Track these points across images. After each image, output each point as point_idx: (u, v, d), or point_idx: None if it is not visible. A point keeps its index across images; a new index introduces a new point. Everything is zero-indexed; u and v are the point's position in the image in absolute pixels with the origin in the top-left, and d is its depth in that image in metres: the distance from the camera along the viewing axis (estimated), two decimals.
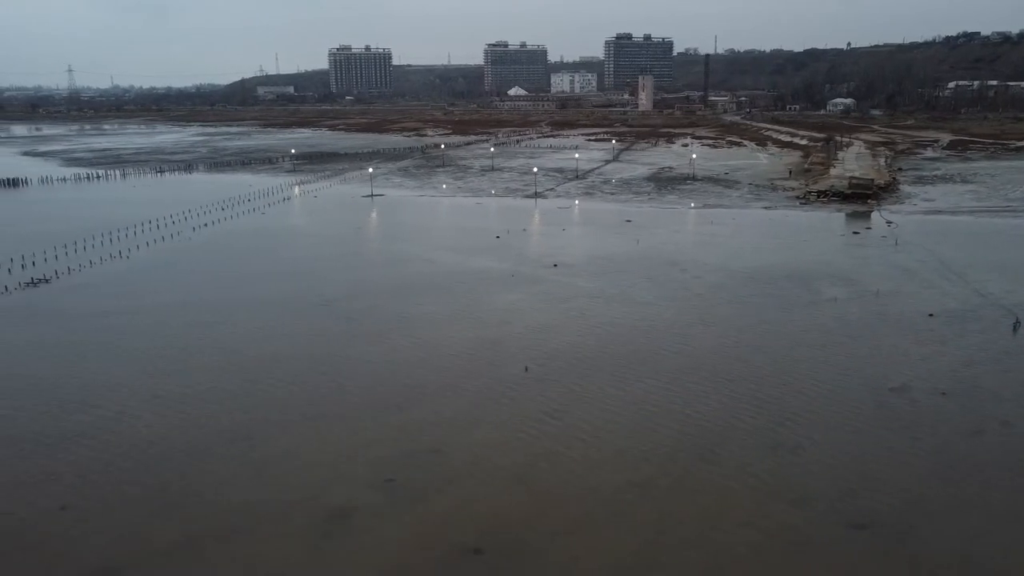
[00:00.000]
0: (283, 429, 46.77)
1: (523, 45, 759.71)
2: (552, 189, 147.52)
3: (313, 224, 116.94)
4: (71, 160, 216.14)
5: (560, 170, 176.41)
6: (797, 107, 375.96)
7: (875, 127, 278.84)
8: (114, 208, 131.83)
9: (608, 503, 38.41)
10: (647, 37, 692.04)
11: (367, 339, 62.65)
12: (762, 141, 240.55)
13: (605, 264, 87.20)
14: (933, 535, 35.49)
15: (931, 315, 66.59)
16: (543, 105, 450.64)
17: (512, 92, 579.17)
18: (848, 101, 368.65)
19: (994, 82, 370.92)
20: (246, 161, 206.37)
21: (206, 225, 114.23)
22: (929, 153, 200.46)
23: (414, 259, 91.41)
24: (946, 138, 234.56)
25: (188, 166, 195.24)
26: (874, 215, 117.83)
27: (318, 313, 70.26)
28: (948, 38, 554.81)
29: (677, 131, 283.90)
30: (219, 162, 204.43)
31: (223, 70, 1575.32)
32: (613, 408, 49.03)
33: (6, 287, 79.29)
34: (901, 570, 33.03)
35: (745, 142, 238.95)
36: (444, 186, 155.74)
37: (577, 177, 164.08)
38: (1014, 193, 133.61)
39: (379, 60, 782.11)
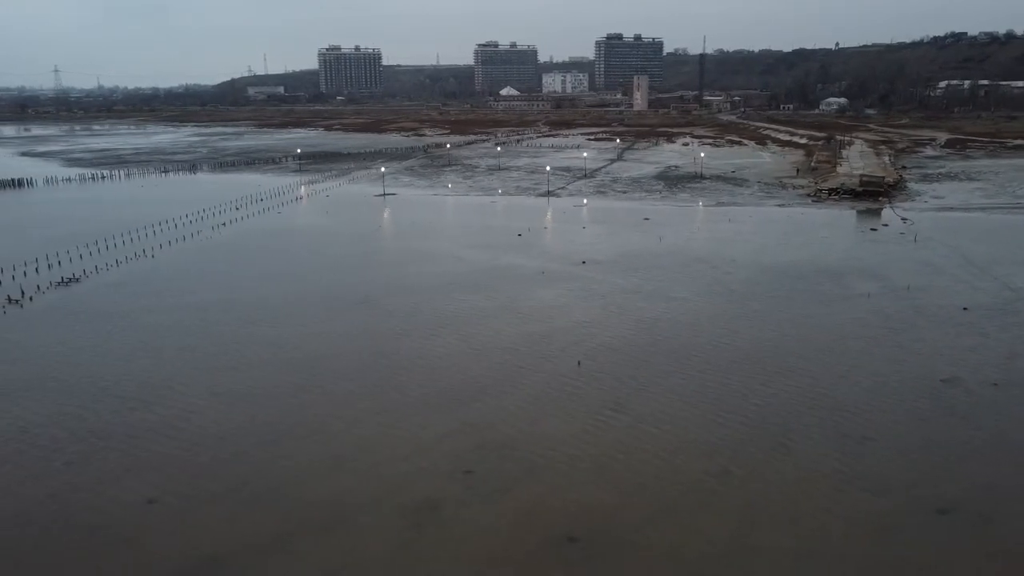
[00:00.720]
0: (352, 425, 47.13)
1: (513, 45, 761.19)
2: (563, 188, 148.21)
3: (332, 223, 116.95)
4: (72, 160, 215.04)
5: (567, 169, 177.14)
6: (791, 106, 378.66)
7: (871, 126, 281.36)
8: (127, 208, 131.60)
9: (691, 491, 39.08)
10: (637, 37, 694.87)
11: (416, 335, 63.01)
12: (762, 140, 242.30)
13: (633, 261, 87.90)
14: (1015, 518, 36.38)
15: (965, 309, 67.74)
16: (538, 105, 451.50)
17: (504, 92, 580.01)
18: (842, 100, 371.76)
19: (985, 82, 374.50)
20: (250, 161, 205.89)
21: (224, 224, 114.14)
22: (929, 151, 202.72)
23: (443, 256, 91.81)
24: (943, 137, 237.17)
25: (192, 166, 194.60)
26: (885, 212, 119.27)
27: (360, 310, 70.56)
28: (936, 38, 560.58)
29: (675, 130, 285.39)
30: (222, 162, 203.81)
31: (211, 71, 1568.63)
32: (673, 400, 49.70)
33: (38, 287, 79.15)
34: (994, 551, 33.90)
35: (745, 141, 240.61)
36: (454, 185, 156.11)
37: (586, 176, 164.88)
38: (1021, 190, 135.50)
39: (369, 60, 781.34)
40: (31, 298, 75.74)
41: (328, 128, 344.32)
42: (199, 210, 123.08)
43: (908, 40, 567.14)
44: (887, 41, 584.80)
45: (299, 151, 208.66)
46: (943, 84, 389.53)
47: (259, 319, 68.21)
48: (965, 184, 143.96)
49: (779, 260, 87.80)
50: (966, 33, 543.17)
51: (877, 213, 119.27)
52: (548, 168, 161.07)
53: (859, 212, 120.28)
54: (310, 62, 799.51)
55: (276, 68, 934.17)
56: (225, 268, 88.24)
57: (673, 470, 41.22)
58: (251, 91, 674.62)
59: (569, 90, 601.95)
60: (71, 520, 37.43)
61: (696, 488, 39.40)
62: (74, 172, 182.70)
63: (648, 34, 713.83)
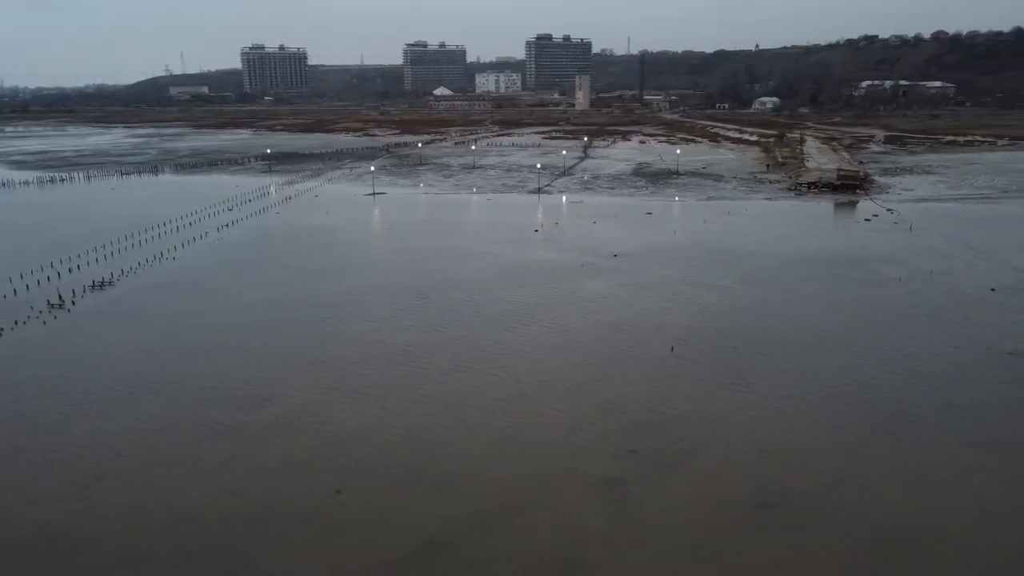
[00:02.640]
0: (490, 415, 48.20)
1: (442, 45, 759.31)
2: (550, 185, 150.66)
3: (338, 222, 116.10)
4: (12, 163, 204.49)
5: (542, 167, 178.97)
6: (726, 105, 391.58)
7: (808, 124, 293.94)
8: (115, 210, 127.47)
9: (850, 459, 41.97)
10: (566, 38, 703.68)
11: (497, 328, 64.21)
12: (713, 138, 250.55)
13: (661, 254, 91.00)
14: None
15: (992, 290, 73.37)
16: (480, 105, 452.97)
17: (439, 92, 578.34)
18: (774, 100, 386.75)
19: (905, 82, 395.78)
20: (211, 162, 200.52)
21: (228, 225, 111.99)
22: (875, 147, 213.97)
23: (474, 253, 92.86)
24: (879, 134, 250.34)
25: (154, 168, 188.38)
26: (864, 203, 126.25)
27: (424, 306, 71.10)
28: (850, 40, 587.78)
29: (624, 129, 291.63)
30: (182, 164, 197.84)
31: (121, 70, 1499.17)
32: (785, 378, 52.69)
33: (73, 291, 76.60)
34: None
35: (698, 139, 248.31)
36: (438, 184, 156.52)
37: (565, 173, 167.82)
38: (978, 182, 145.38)
39: (294, 60, 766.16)
40: (73, 302, 73.39)
41: (271, 128, 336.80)
42: (192, 211, 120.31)
43: (824, 43, 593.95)
44: (805, 43, 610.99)
45: (268, 151, 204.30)
46: (865, 84, 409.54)
47: (326, 316, 68.08)
48: (925, 177, 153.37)
49: (796, 249, 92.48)
50: (878, 36, 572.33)
51: (854, 205, 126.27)
52: (539, 165, 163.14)
53: (840, 204, 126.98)
54: (230, 61, 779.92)
55: (193, 68, 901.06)
56: (256, 268, 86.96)
57: (818, 441, 44.10)
58: (173, 91, 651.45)
59: (503, 90, 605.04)
60: (272, 512, 37.58)
61: (853, 455, 42.37)
62: (28, 175, 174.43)
63: (573, 35, 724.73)
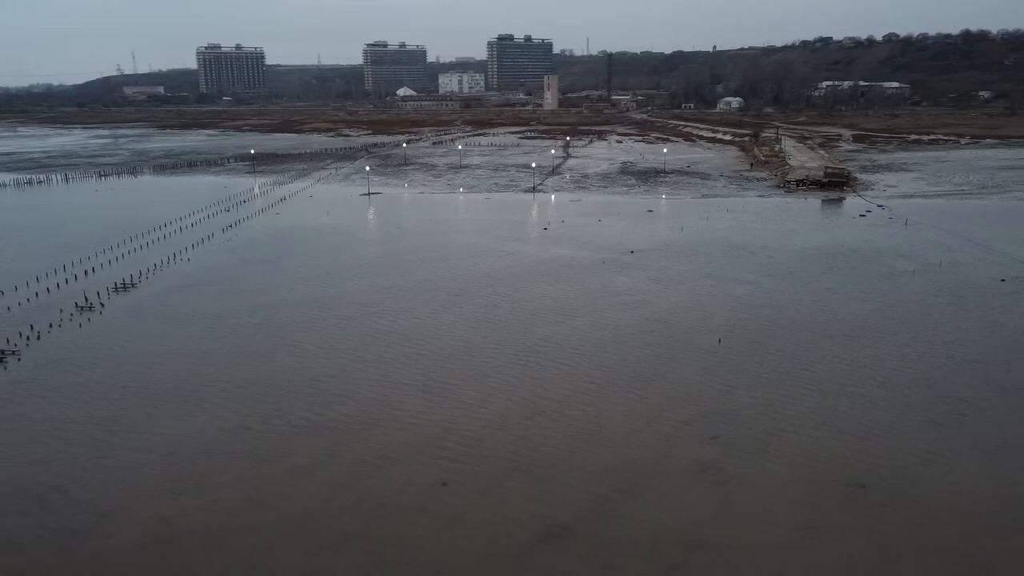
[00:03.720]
0: (567, 405, 49.22)
1: (402, 45, 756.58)
2: (542, 184, 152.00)
3: (342, 222, 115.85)
4: None
5: (526, 166, 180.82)
6: (691, 105, 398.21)
7: (774, 123, 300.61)
8: (106, 213, 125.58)
9: (925, 439, 44.05)
10: (527, 38, 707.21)
11: (543, 323, 65.25)
12: (688, 137, 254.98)
13: (675, 250, 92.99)
14: None
15: (1003, 280, 76.86)
16: (448, 105, 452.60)
17: (402, 92, 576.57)
18: (738, 100, 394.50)
19: (865, 83, 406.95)
20: (190, 163, 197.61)
21: (231, 226, 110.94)
22: (846, 146, 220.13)
23: (491, 250, 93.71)
24: (846, 133, 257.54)
25: (132, 169, 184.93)
26: (851, 200, 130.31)
27: (460, 303, 71.78)
28: (805, 42, 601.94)
29: (597, 128, 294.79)
30: (160, 165, 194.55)
31: (67, 69, 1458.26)
32: (840, 366, 54.73)
33: (97, 293, 75.48)
34: None
35: (673, 138, 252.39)
36: (429, 183, 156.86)
37: (553, 172, 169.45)
38: (955, 179, 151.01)
39: (252, 60, 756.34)
40: (102, 304, 72.38)
41: (238, 129, 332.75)
42: (189, 213, 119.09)
43: (780, 44, 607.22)
44: (762, 44, 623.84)
45: (252, 151, 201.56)
46: (824, 84, 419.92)
47: (368, 314, 68.35)
48: (904, 175, 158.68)
49: (804, 244, 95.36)
50: (832, 37, 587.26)
51: (842, 202, 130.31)
52: (533, 164, 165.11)
53: (829, 201, 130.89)
54: (183, 61, 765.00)
55: (144, 67, 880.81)
56: (278, 268, 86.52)
57: (891, 423, 46.09)
58: (128, 91, 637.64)
59: (466, 90, 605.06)
60: (389, 503, 38.14)
61: (928, 434, 44.50)
62: (1, 177, 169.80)
63: (532, 36, 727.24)
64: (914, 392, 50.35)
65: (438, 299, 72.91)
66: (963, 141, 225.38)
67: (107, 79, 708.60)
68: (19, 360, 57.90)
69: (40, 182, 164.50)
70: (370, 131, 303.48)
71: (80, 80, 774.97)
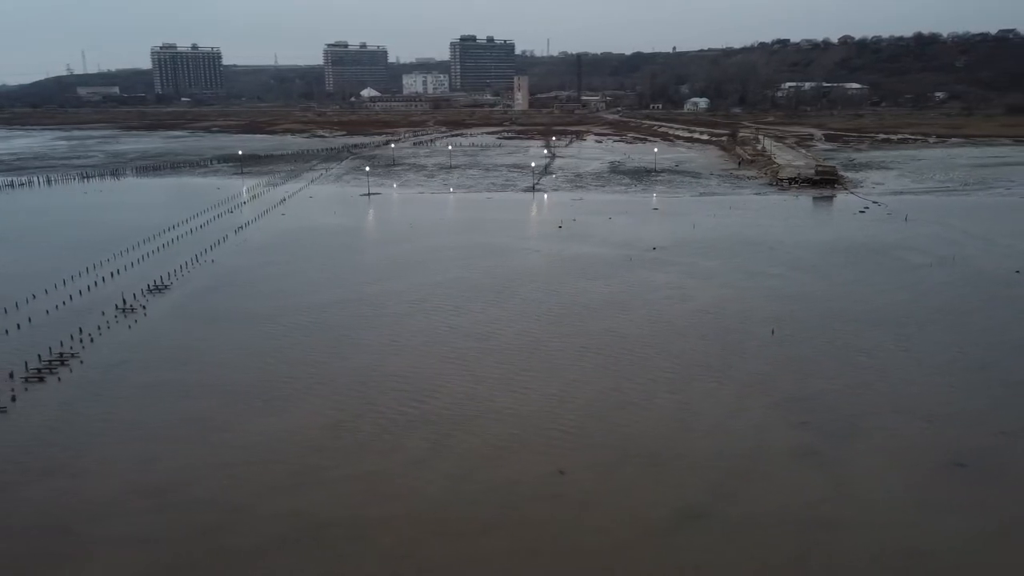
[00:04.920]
0: (652, 394, 50.65)
1: (363, 46, 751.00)
2: (538, 184, 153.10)
3: (351, 222, 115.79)
4: None
5: (517, 166, 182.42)
6: (660, 106, 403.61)
7: (744, 123, 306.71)
8: (107, 215, 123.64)
9: (1003, 419, 46.32)
10: (490, 39, 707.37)
11: (600, 317, 66.49)
12: (665, 136, 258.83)
13: (695, 246, 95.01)
14: None
15: (1017, 271, 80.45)
16: (418, 106, 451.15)
17: (365, 93, 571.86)
18: (704, 100, 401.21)
19: (827, 84, 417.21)
20: (173, 165, 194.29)
21: (241, 227, 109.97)
22: (820, 145, 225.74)
23: (513, 249, 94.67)
24: (817, 132, 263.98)
25: (114, 171, 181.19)
26: (841, 197, 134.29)
27: (506, 299, 72.54)
28: (763, 44, 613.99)
29: (572, 129, 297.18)
30: (142, 167, 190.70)
31: (14, 69, 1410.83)
32: (898, 354, 57.03)
33: (133, 294, 74.57)
34: None
35: (649, 138, 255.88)
36: (427, 184, 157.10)
37: (547, 172, 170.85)
38: (936, 177, 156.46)
39: (208, 60, 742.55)
40: (143, 306, 71.53)
41: (207, 130, 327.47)
42: (194, 214, 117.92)
43: (739, 46, 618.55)
44: (721, 46, 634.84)
45: (240, 152, 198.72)
46: (786, 85, 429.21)
47: (417, 311, 68.82)
48: (886, 172, 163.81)
49: (816, 239, 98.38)
50: (789, 39, 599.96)
51: (834, 199, 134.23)
52: (532, 164, 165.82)
53: (824, 198, 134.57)
54: (135, 61, 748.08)
55: (93, 68, 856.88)
56: (305, 269, 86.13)
57: (965, 404, 48.39)
58: (82, 91, 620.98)
59: (431, 91, 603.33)
60: (514, 492, 38.98)
61: (1003, 416, 46.80)
62: None
63: (492, 37, 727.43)
64: (977, 376, 52.85)
65: (483, 295, 73.68)
66: (931, 140, 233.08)
67: (59, 79, 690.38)
68: (81, 363, 57.16)
69: (22, 184, 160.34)
70: (344, 132, 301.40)
71: (27, 80, 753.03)
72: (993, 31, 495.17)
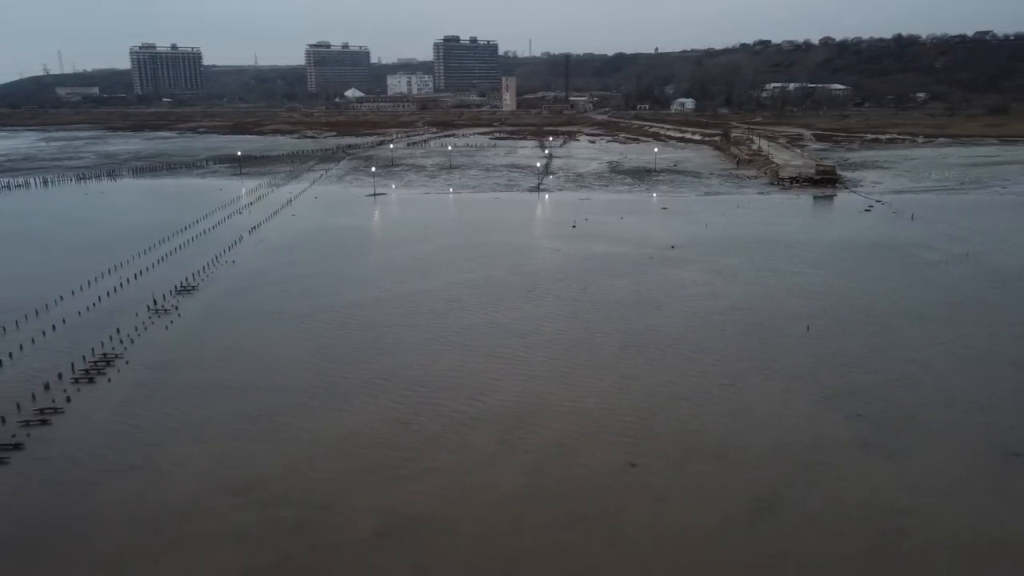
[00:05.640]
0: (704, 389, 51.59)
1: (345, 46, 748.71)
2: (541, 184, 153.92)
3: (363, 222, 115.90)
4: None
5: (516, 166, 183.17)
6: (647, 106, 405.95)
7: (733, 123, 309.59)
8: (113, 216, 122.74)
9: None
10: (473, 40, 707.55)
11: (635, 315, 67.35)
12: (656, 136, 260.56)
13: (712, 244, 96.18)
14: None
15: None
16: (405, 106, 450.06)
17: (349, 93, 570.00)
18: (691, 101, 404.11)
19: (812, 85, 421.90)
20: (169, 166, 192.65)
21: (254, 228, 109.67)
22: (812, 145, 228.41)
23: (532, 248, 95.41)
24: (807, 133, 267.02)
25: (110, 173, 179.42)
26: (842, 196, 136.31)
27: (539, 297, 73.19)
28: (745, 45, 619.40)
29: (563, 129, 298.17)
30: (137, 168, 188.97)
31: None
32: (937, 347, 58.45)
33: (163, 295, 74.41)
34: None
35: (641, 138, 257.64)
36: (430, 184, 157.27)
37: (547, 172, 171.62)
38: (933, 176, 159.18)
39: (188, 60, 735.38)
40: (175, 307, 71.38)
41: (194, 131, 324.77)
42: (203, 215, 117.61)
43: (721, 47, 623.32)
44: (703, 47, 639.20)
45: (239, 153, 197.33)
46: (770, 86, 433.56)
47: (458, 308, 69.39)
48: (883, 172, 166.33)
49: (829, 237, 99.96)
50: (771, 41, 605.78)
51: (835, 198, 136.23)
52: (537, 164, 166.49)
53: (826, 197, 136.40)
54: (112, 61, 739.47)
55: (69, 68, 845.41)
56: (328, 269, 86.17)
57: (1009, 394, 49.74)
58: (61, 92, 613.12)
59: (415, 91, 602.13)
60: (587, 485, 39.66)
61: None
62: None
63: (474, 38, 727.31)
64: (1010, 368, 54.30)
65: (516, 293, 74.29)
66: (919, 140, 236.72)
67: (37, 79, 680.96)
68: (127, 363, 57.11)
69: (20, 186, 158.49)
70: (334, 133, 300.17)
71: (2, 80, 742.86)
72: (970, 32, 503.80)
